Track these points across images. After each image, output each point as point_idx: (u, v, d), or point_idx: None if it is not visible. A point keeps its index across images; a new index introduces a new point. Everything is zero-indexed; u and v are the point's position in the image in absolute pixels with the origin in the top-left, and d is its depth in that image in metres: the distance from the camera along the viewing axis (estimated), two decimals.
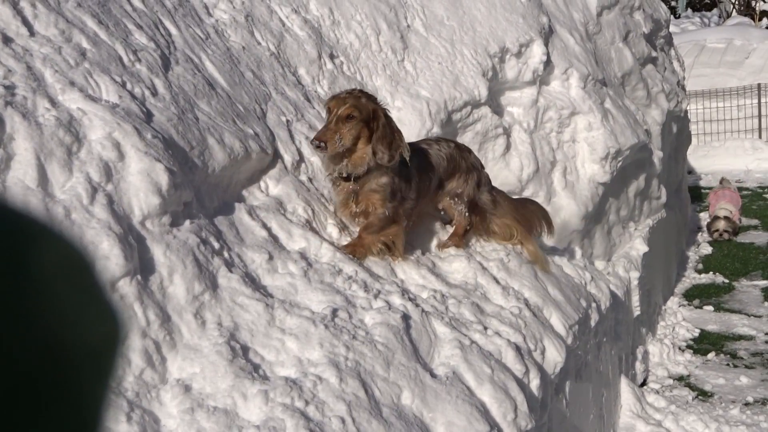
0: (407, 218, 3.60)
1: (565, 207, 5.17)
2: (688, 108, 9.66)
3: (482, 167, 4.09)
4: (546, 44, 5.31)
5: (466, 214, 3.92)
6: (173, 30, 3.59)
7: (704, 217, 11.81)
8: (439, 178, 3.84)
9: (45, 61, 2.76)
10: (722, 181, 11.78)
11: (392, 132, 3.41)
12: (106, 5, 3.30)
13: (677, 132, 8.54)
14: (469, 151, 4.10)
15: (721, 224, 10.42)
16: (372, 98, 3.47)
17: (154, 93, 3.08)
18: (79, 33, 2.99)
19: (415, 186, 3.62)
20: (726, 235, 10.39)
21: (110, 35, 3.13)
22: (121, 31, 3.24)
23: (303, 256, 3.09)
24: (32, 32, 2.84)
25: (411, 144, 3.67)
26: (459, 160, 3.92)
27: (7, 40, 2.73)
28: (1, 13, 2.77)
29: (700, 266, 9.43)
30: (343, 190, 3.47)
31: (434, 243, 3.89)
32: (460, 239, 3.87)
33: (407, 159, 3.46)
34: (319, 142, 3.29)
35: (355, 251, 3.33)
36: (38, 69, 2.71)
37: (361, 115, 3.34)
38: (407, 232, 3.60)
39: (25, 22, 2.84)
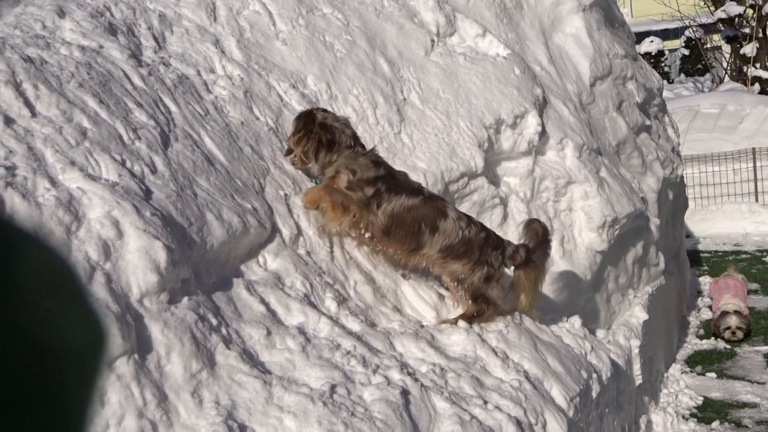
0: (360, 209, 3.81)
1: (564, 276, 5.17)
2: (684, 173, 9.72)
3: (501, 256, 4.04)
4: (540, 115, 5.39)
5: (470, 302, 3.92)
6: (173, 107, 3.65)
7: (704, 282, 11.79)
8: (440, 248, 3.88)
9: (46, 141, 2.79)
10: (727, 268, 10.08)
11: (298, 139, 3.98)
12: (107, 85, 3.36)
13: (674, 198, 8.60)
14: (498, 247, 4.04)
15: (733, 320, 8.66)
16: (300, 115, 4.06)
17: (154, 170, 3.12)
18: (80, 113, 3.04)
19: (389, 211, 3.82)
20: (740, 333, 8.65)
21: (111, 114, 3.18)
22: (122, 109, 3.29)
23: (301, 330, 3.09)
24: (34, 113, 2.89)
25: (433, 195, 4.01)
26: (475, 250, 3.93)
27: (9, 122, 2.77)
28: (3, 95, 2.83)
29: (702, 332, 9.36)
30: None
31: (433, 315, 3.88)
32: (459, 321, 3.87)
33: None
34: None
35: (305, 197, 3.83)
36: (39, 149, 2.75)
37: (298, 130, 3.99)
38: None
39: (27, 104, 2.89)
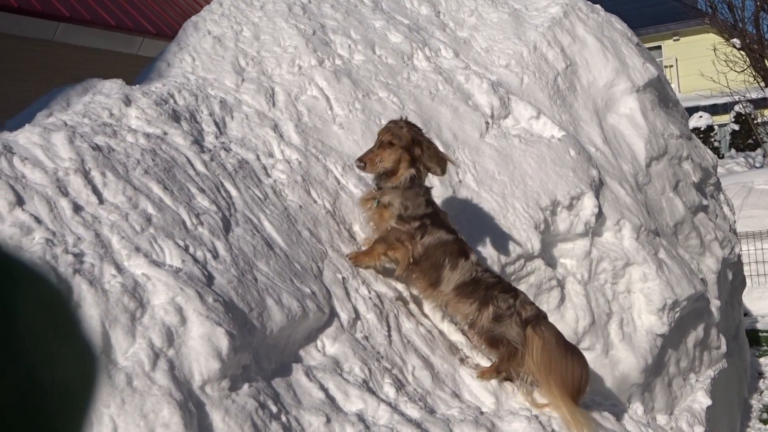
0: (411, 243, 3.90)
1: (624, 360, 5.05)
2: (740, 250, 9.51)
3: (512, 300, 3.89)
4: (597, 196, 5.34)
5: (490, 348, 3.87)
6: (234, 192, 3.70)
7: (764, 363, 11.41)
8: (454, 285, 3.90)
9: (112, 228, 2.84)
10: None
11: (437, 152, 3.97)
12: (171, 171, 3.43)
13: (732, 277, 8.40)
14: (509, 291, 3.93)
15: None
16: (414, 128, 4.00)
17: (215, 255, 3.14)
18: (146, 199, 3.10)
19: (426, 243, 3.91)
20: None
21: (174, 200, 3.24)
22: (185, 195, 3.35)
23: (360, 418, 3.04)
24: (101, 200, 2.96)
25: (464, 240, 4.04)
26: (481, 289, 3.88)
27: (78, 209, 2.83)
28: (73, 183, 2.90)
29: (765, 415, 9.03)
30: (370, 192, 4.04)
31: (492, 401, 3.79)
32: (491, 374, 3.85)
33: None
34: (360, 162, 3.92)
35: (357, 259, 3.91)
36: (106, 236, 2.80)
37: (401, 142, 3.88)
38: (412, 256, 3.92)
39: (95, 191, 2.96)
